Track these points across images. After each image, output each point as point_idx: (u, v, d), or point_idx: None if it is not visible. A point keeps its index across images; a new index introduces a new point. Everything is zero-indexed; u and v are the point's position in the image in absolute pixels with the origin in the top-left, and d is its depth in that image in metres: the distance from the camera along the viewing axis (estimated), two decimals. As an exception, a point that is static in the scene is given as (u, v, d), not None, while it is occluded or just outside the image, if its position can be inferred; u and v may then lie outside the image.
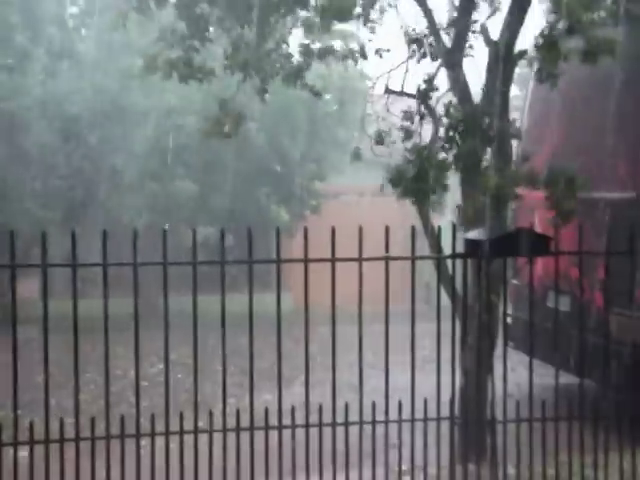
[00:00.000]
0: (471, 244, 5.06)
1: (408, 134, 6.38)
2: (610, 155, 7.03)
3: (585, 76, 7.25)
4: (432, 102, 6.24)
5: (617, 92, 7.14)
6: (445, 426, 5.21)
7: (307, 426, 4.97)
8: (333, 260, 4.88)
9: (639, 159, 6.81)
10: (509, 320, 8.23)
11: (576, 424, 5.31)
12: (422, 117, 6.17)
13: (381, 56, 6.37)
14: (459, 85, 5.99)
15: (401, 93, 6.33)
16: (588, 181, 5.76)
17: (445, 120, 5.94)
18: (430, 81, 6.12)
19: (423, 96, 6.14)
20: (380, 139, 6.43)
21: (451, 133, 5.79)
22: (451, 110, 5.82)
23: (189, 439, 4.84)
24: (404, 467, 5.24)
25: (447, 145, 5.87)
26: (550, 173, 5.69)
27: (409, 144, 6.16)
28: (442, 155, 5.94)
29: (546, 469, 5.23)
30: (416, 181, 5.66)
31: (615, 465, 5.32)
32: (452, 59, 6.08)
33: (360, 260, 4.90)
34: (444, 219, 6.01)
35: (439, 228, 5.32)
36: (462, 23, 6.19)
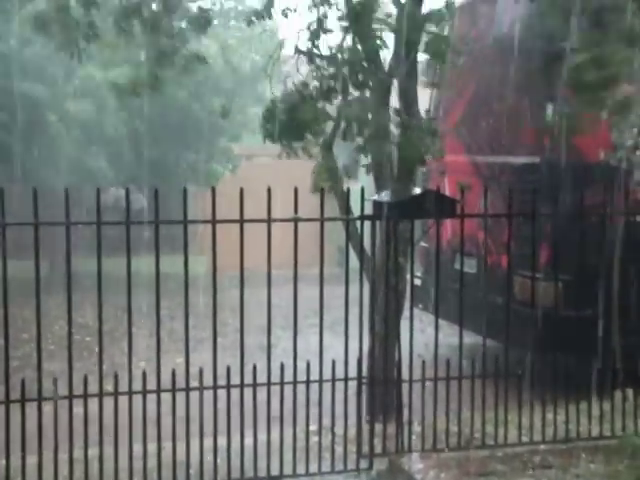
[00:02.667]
0: (379, 206, 5.10)
1: (325, 95, 6.35)
2: (516, 121, 7.18)
3: (493, 41, 7.38)
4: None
5: (523, 59, 7.27)
6: (353, 387, 5.28)
7: (215, 388, 4.96)
8: (241, 221, 4.85)
9: (543, 125, 6.98)
10: (418, 282, 8.43)
11: (479, 382, 5.46)
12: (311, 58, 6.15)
13: (286, 16, 6.30)
14: (367, 48, 5.99)
15: (310, 53, 6.28)
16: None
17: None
18: (320, 21, 6.07)
19: (313, 38, 6.10)
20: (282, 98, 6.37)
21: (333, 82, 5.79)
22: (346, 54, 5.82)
23: (94, 403, 4.77)
24: (312, 427, 5.30)
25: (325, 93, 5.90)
26: None
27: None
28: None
29: (449, 426, 5.38)
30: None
31: (514, 421, 5.52)
32: (361, 22, 6.05)
33: (269, 221, 4.88)
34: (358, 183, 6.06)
35: (347, 190, 5.34)
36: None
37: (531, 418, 5.47)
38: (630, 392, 5.72)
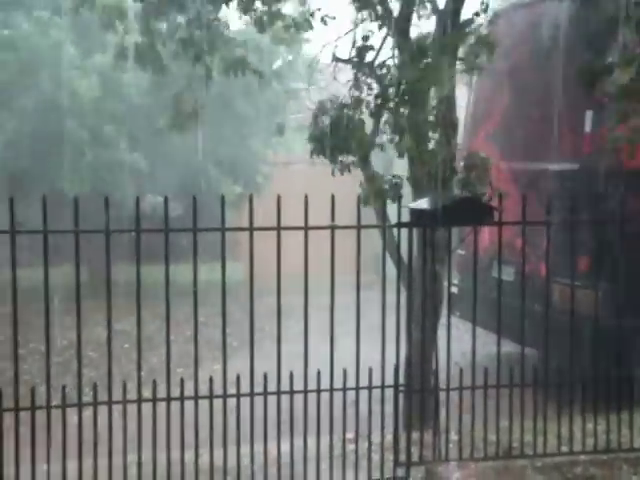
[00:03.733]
0: (416, 213, 5.08)
1: (356, 103, 6.36)
2: (555, 127, 7.11)
3: (530, 47, 7.32)
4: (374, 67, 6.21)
5: (562, 66, 7.20)
6: (390, 395, 5.26)
7: (252, 395, 4.97)
8: (278, 229, 4.86)
9: (583, 131, 6.90)
10: (455, 290, 8.37)
11: (517, 391, 5.41)
12: (368, 76, 6.17)
13: (326, 23, 6.31)
14: (406, 52, 5.99)
15: (348, 61, 6.29)
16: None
17: (386, 83, 5.95)
18: (367, 38, 6.09)
19: (359, 55, 6.11)
20: (324, 109, 6.39)
21: (390, 98, 5.81)
22: (391, 73, 5.84)
23: (133, 409, 4.81)
24: (349, 435, 5.29)
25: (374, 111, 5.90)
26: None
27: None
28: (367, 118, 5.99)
29: (487, 435, 5.33)
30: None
31: (554, 431, 5.45)
32: (399, 26, 6.06)
33: (306, 229, 4.89)
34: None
35: (385, 198, 5.32)
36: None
37: (571, 428, 5.39)
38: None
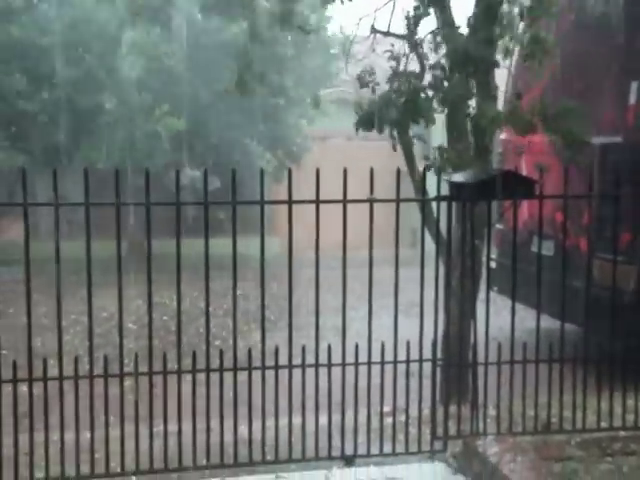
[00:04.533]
0: (456, 187, 5.04)
1: (395, 75, 6.32)
2: (598, 100, 6.99)
3: (576, 18, 7.17)
4: (419, 42, 6.17)
5: (607, 37, 7.05)
6: (428, 368, 5.26)
7: (290, 367, 5.00)
8: (317, 202, 4.86)
9: (627, 104, 6.77)
10: (493, 264, 8.31)
11: (556, 366, 5.37)
12: (412, 49, 6.10)
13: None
14: (447, 25, 5.91)
15: (387, 33, 6.23)
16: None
17: (432, 58, 5.90)
18: (418, 8, 6.02)
19: (410, 29, 6.05)
20: (364, 81, 6.35)
21: (438, 71, 5.74)
22: (439, 44, 5.78)
23: (173, 379, 4.87)
24: (387, 409, 5.30)
25: (433, 82, 5.84)
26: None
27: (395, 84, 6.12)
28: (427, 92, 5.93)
29: (526, 410, 5.31)
30: (403, 111, 5.65)
31: (593, 407, 5.41)
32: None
33: (345, 202, 4.88)
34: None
35: (424, 171, 5.28)
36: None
37: (611, 404, 5.35)
38: None
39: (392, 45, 6.38)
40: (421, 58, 6.26)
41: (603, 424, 5.37)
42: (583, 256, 5.72)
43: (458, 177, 5.17)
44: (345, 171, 4.80)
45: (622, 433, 5.27)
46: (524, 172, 7.34)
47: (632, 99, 6.70)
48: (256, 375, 4.96)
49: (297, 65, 13.01)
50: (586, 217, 5.45)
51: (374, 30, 6.24)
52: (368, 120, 5.94)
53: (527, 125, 5.70)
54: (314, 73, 13.51)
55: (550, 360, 5.36)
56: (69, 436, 4.74)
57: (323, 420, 5.07)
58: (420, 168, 5.92)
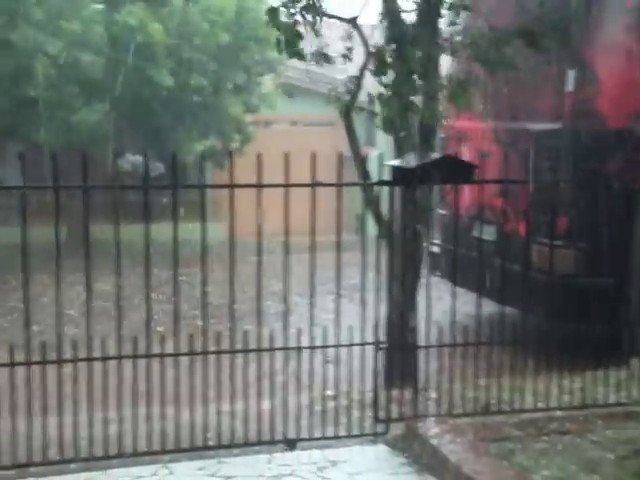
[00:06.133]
0: (397, 171, 5.06)
1: (348, 59, 6.34)
2: (537, 87, 7.10)
3: (515, 6, 7.26)
4: (364, 28, 6.20)
5: (544, 23, 7.14)
6: (371, 353, 5.30)
7: (232, 352, 4.99)
8: (259, 186, 4.84)
9: (564, 92, 6.89)
10: (436, 249, 8.42)
11: (496, 349, 5.46)
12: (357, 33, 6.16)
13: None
14: (391, 10, 5.94)
15: (332, 16, 6.23)
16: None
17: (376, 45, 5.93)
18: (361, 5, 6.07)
19: (353, 20, 6.09)
20: (320, 61, 6.36)
21: (382, 58, 5.78)
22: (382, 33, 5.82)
23: (114, 365, 4.82)
24: (329, 392, 5.33)
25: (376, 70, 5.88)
26: None
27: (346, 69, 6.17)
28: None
29: (466, 392, 5.39)
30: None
31: (531, 388, 5.52)
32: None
33: (286, 186, 4.87)
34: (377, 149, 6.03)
35: (366, 155, 5.31)
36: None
37: (548, 385, 5.46)
38: (648, 360, 5.70)
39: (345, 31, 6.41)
40: (366, 43, 6.27)
41: (540, 405, 5.48)
42: (523, 241, 5.81)
43: (399, 161, 5.20)
44: (287, 155, 4.78)
45: (558, 413, 5.39)
46: (466, 158, 7.43)
47: (569, 86, 6.82)
48: (198, 361, 4.94)
49: (240, 51, 12.92)
50: (525, 203, 5.54)
51: (318, 13, 6.22)
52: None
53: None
54: (258, 58, 13.42)
55: (490, 343, 5.45)
56: (4, 425, 4.65)
57: (266, 405, 5.07)
58: (364, 152, 5.94)
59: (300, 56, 6.17)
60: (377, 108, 6.21)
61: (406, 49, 5.79)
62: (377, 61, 5.87)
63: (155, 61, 12.38)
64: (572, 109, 6.85)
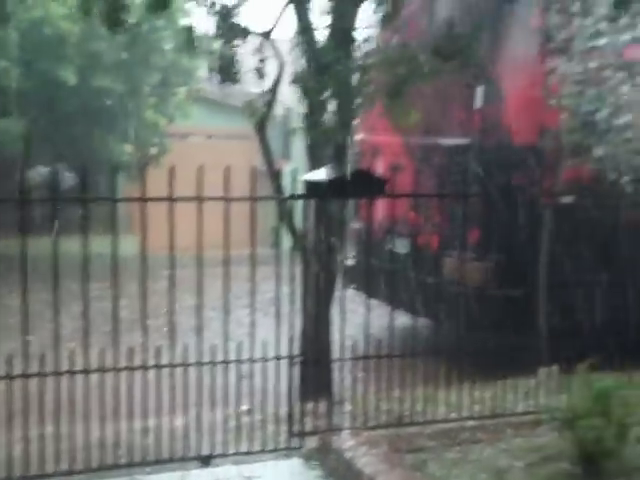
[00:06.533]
0: (310, 185, 5.09)
1: (260, 74, 6.35)
2: (449, 103, 7.26)
3: (427, 23, 7.43)
4: (278, 42, 6.23)
5: (454, 40, 7.32)
6: (286, 367, 5.28)
7: (145, 368, 4.90)
8: (171, 199, 4.78)
9: (473, 108, 7.07)
10: (351, 262, 8.49)
11: (410, 361, 5.53)
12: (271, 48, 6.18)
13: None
14: (304, 25, 5.98)
15: (245, 30, 6.24)
16: None
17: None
18: (273, 19, 6.11)
19: (267, 34, 6.12)
20: (231, 78, 6.34)
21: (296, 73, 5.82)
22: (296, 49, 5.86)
23: (19, 384, 4.67)
24: (244, 407, 5.30)
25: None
26: None
27: (262, 84, 6.18)
28: None
29: (380, 404, 5.44)
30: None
31: (444, 399, 5.61)
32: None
33: (199, 200, 4.83)
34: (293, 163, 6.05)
35: (279, 169, 5.32)
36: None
37: (460, 395, 5.56)
38: (554, 368, 5.86)
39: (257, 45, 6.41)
40: (280, 57, 6.30)
41: (452, 415, 5.57)
42: (436, 254, 5.93)
43: (313, 176, 5.23)
44: (200, 169, 4.75)
45: (470, 423, 5.49)
46: (380, 172, 7.53)
47: (478, 103, 7.00)
48: (109, 378, 4.83)
49: (157, 62, 12.75)
50: (437, 216, 5.65)
51: (232, 27, 6.22)
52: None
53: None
54: (174, 70, 13.28)
55: (403, 355, 5.51)
56: None
57: (180, 421, 5.00)
58: (278, 166, 5.96)
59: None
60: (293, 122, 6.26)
61: (320, 68, 5.84)
62: (297, 81, 5.92)
63: (63, 59, 11.88)
64: (481, 125, 7.04)
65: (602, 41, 6.42)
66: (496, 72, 6.97)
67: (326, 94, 5.89)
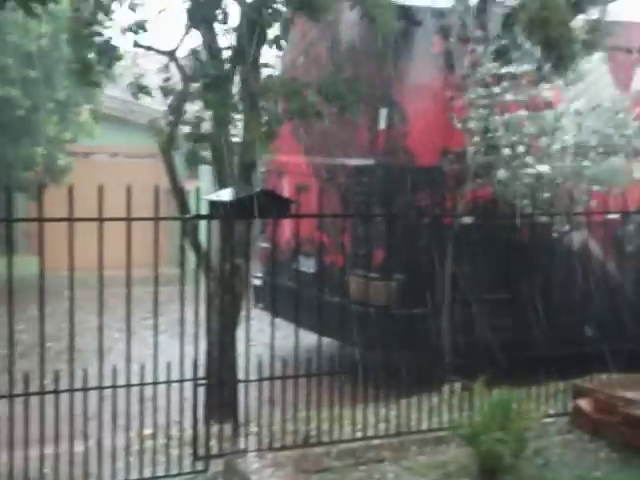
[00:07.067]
0: (214, 206, 5.06)
1: (166, 91, 6.29)
2: (354, 124, 7.35)
3: (331, 47, 7.52)
4: (183, 59, 6.19)
5: (360, 66, 7.45)
6: (190, 389, 5.20)
7: (42, 393, 4.74)
8: (71, 220, 4.67)
9: (377, 129, 7.18)
10: (259, 282, 8.47)
11: (315, 381, 5.52)
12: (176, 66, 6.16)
13: (134, 10, 6.12)
14: (209, 43, 5.97)
15: (150, 48, 6.18)
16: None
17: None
18: (179, 38, 6.08)
19: (171, 53, 6.09)
20: (138, 94, 6.27)
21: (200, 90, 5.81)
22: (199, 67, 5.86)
23: None
24: (148, 431, 5.19)
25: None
26: None
27: (167, 102, 6.13)
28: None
29: (286, 425, 5.41)
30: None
31: (349, 418, 5.63)
32: (203, 17, 6.02)
33: (100, 220, 4.73)
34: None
35: (183, 188, 5.27)
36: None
37: (365, 414, 5.59)
38: (457, 385, 5.97)
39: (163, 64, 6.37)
40: (185, 75, 6.26)
41: (358, 434, 5.60)
42: (342, 273, 5.96)
43: (217, 196, 5.20)
44: (100, 188, 4.65)
45: (375, 441, 5.53)
46: (286, 192, 7.56)
47: (382, 124, 7.12)
48: (2, 405, 4.65)
49: (61, 80, 12.42)
50: (343, 236, 5.69)
51: (136, 44, 6.16)
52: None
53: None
54: (77, 88, 12.97)
55: (308, 375, 5.51)
56: None
57: (80, 448, 4.85)
58: (183, 186, 5.90)
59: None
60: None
61: (222, 91, 5.85)
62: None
63: None
64: (384, 146, 7.15)
65: (504, 69, 6.65)
66: (399, 94, 7.11)
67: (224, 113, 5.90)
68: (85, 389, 4.85)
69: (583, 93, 7.04)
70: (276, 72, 6.40)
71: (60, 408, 4.75)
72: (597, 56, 7.13)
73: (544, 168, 6.49)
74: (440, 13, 6.79)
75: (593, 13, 6.42)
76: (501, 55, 6.53)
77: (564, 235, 6.43)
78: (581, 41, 6.07)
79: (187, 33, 6.23)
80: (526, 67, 6.55)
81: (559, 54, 5.90)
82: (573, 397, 6.01)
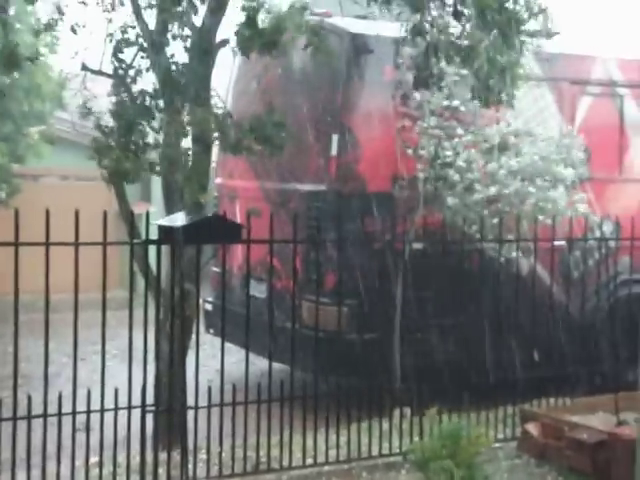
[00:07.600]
0: (164, 230, 5.02)
1: (115, 114, 6.26)
2: (307, 150, 7.38)
3: (284, 74, 7.56)
4: (132, 84, 6.18)
5: (313, 92, 7.50)
6: (138, 416, 5.12)
7: (-16, 422, 4.63)
8: (16, 244, 4.59)
9: (329, 155, 7.22)
10: (210, 307, 8.40)
11: (265, 407, 5.48)
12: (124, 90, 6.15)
13: (75, 32, 6.10)
14: (160, 67, 5.96)
15: (99, 72, 6.15)
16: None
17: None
18: (121, 60, 6.08)
19: (120, 77, 6.08)
20: (86, 115, 6.23)
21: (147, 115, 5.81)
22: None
23: None
24: (94, 459, 5.09)
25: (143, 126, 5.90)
26: None
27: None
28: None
29: (235, 452, 5.36)
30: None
31: (300, 444, 5.60)
32: (154, 41, 6.02)
33: (47, 245, 4.66)
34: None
35: (132, 213, 5.23)
36: (166, 8, 6.13)
37: (315, 440, 5.56)
38: (407, 410, 5.99)
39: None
40: (133, 98, 6.24)
41: (309, 461, 5.57)
42: (293, 298, 5.94)
43: (166, 221, 5.17)
44: (47, 212, 4.59)
45: (326, 468, 5.51)
46: (239, 216, 7.53)
47: (334, 150, 7.16)
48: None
49: (6, 101, 12.23)
50: (295, 261, 5.68)
51: (85, 68, 6.12)
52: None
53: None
54: (26, 109, 12.80)
55: (258, 401, 5.47)
56: None
57: (22, 477, 4.73)
58: (133, 210, 5.84)
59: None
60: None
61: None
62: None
63: None
64: (336, 172, 7.19)
65: (455, 101, 6.76)
66: (351, 121, 7.16)
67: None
68: (29, 417, 4.75)
69: (528, 121, 7.23)
70: (223, 103, 6.42)
71: (2, 437, 4.65)
72: (541, 87, 7.33)
73: (491, 191, 6.59)
74: (393, 41, 6.87)
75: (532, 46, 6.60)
76: (435, 84, 6.68)
77: (512, 261, 6.51)
78: (514, 73, 6.26)
79: (135, 56, 6.25)
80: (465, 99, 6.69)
81: (486, 85, 6.14)
82: (521, 422, 6.07)
